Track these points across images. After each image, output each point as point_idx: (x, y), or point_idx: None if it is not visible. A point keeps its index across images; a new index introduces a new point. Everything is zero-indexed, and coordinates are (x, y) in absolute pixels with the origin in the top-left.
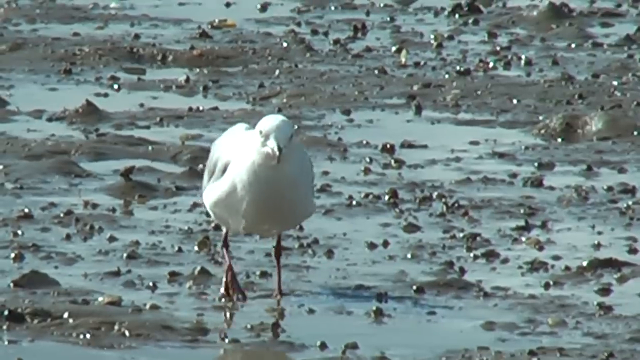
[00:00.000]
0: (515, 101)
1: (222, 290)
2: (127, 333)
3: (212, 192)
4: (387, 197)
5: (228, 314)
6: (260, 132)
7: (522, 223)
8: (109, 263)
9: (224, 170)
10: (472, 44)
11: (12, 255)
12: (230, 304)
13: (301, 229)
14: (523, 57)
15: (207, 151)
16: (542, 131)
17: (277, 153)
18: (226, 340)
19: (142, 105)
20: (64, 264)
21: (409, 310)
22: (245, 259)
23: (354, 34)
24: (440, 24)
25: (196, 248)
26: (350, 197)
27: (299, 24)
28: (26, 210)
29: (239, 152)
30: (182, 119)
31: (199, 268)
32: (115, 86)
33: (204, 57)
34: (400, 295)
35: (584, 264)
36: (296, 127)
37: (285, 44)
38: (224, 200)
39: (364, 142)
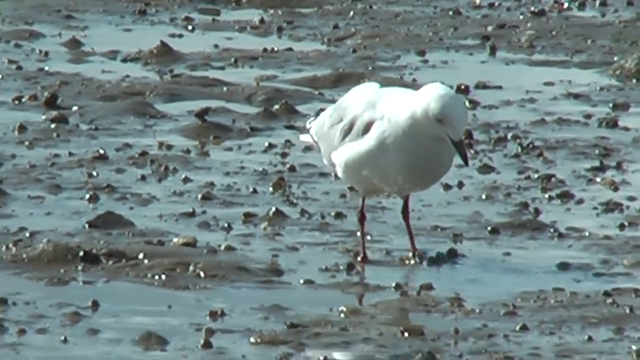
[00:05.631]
0: (590, 42)
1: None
2: (202, 274)
3: (351, 150)
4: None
5: (302, 255)
6: (439, 120)
7: (597, 164)
8: (183, 204)
9: (365, 130)
10: None
11: (87, 196)
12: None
13: None
14: None
15: (281, 92)
16: (617, 72)
17: (467, 159)
18: (301, 282)
19: (216, 46)
20: (139, 205)
21: (484, 252)
22: (320, 199)
23: None
24: None
25: (271, 189)
26: None
27: None
28: (101, 151)
29: (389, 111)
30: (257, 59)
31: (273, 209)
32: (190, 27)
33: None
34: (475, 236)
35: None
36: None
37: None
38: (369, 159)
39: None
